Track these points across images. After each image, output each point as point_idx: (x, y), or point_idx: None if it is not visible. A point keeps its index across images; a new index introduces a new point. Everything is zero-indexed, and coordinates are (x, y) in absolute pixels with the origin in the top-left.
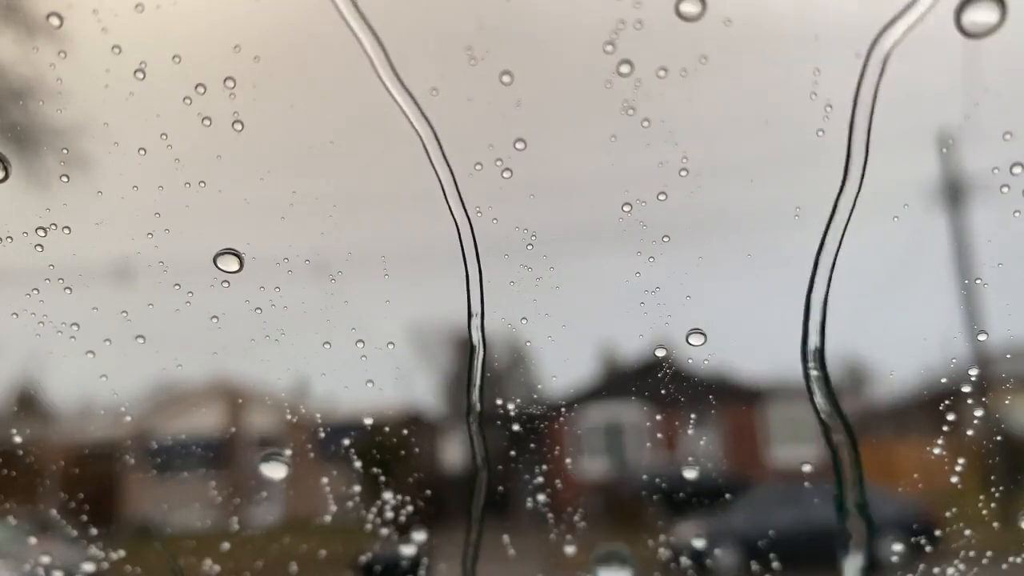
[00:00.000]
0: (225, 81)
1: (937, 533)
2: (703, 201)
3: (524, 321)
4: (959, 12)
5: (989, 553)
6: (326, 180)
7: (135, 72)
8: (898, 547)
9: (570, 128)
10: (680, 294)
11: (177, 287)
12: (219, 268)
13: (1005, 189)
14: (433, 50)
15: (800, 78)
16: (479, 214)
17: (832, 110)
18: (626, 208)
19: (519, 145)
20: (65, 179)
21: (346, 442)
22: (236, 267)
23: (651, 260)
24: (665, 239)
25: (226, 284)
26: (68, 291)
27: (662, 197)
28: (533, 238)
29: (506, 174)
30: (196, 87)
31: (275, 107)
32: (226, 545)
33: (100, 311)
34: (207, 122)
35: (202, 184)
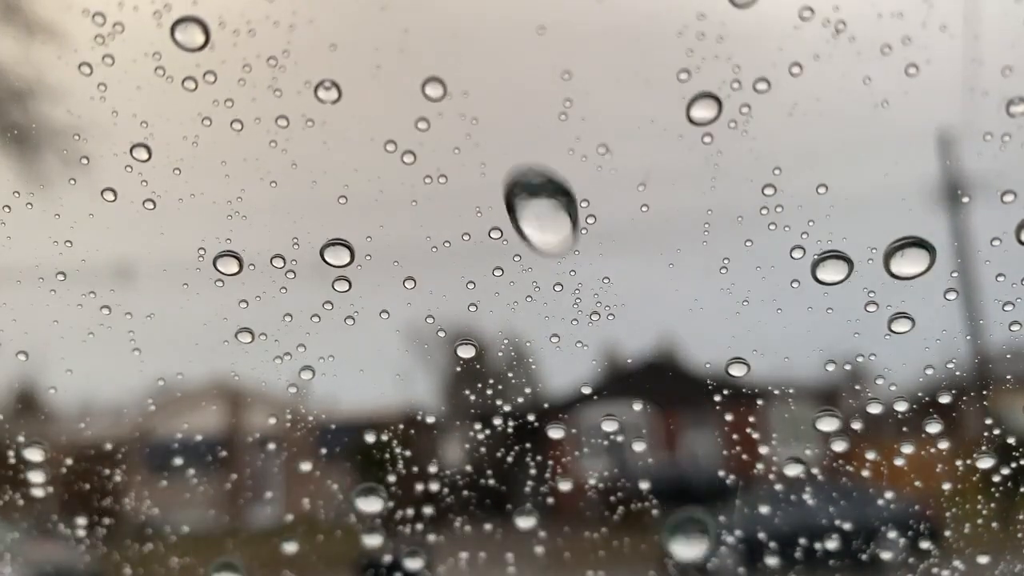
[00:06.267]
0: (225, 81)
1: (936, 533)
2: (704, 202)
3: (524, 321)
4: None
5: (988, 553)
6: (327, 180)
7: (135, 72)
8: (898, 547)
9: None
10: (680, 294)
11: (177, 288)
12: (218, 270)
13: (1008, 194)
14: (437, 51)
15: (800, 77)
16: (479, 214)
17: (830, 107)
18: (632, 209)
19: (520, 146)
20: (65, 179)
21: (346, 442)
22: (236, 268)
23: (651, 260)
24: (665, 239)
25: (223, 284)
26: (68, 292)
27: (663, 198)
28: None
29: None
30: (196, 87)
31: (276, 107)
32: (225, 545)
33: (100, 312)
34: (207, 122)
35: (203, 185)
